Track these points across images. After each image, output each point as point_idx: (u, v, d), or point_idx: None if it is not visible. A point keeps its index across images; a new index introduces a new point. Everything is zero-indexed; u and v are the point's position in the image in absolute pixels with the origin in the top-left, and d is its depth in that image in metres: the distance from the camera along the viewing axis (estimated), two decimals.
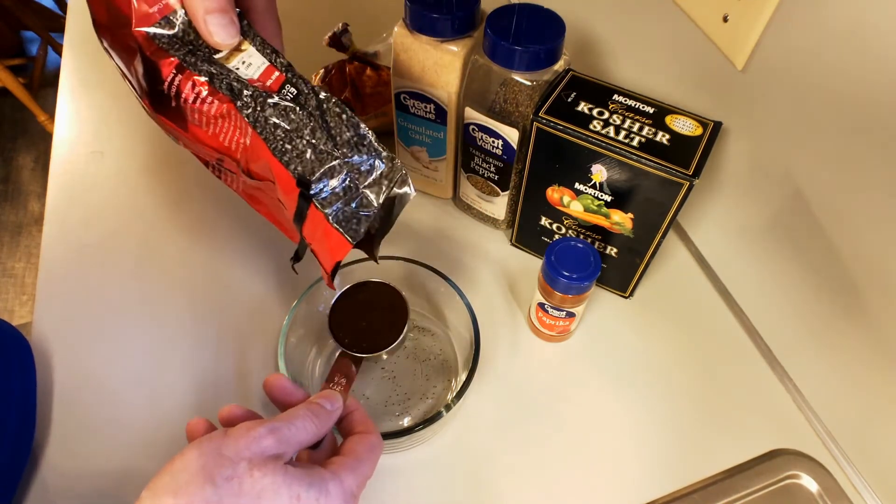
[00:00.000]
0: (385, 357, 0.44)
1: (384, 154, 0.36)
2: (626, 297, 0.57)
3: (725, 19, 0.47)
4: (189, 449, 0.30)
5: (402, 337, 0.43)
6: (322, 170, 0.35)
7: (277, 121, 0.35)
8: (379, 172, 0.36)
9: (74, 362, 0.50)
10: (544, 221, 0.55)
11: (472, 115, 0.52)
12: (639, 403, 0.50)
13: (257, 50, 0.37)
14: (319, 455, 0.36)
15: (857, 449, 0.47)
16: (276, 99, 0.35)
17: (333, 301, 0.44)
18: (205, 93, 0.35)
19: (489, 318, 0.54)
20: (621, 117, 0.46)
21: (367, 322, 0.44)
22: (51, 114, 1.67)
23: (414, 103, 0.55)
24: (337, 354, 0.42)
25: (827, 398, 0.49)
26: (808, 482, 0.46)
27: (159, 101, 0.37)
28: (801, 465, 0.47)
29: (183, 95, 0.36)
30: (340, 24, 0.63)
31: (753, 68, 0.46)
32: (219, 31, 0.35)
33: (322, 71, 0.66)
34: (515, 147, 0.51)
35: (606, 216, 0.50)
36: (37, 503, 0.43)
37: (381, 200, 0.36)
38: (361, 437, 0.36)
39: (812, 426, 0.49)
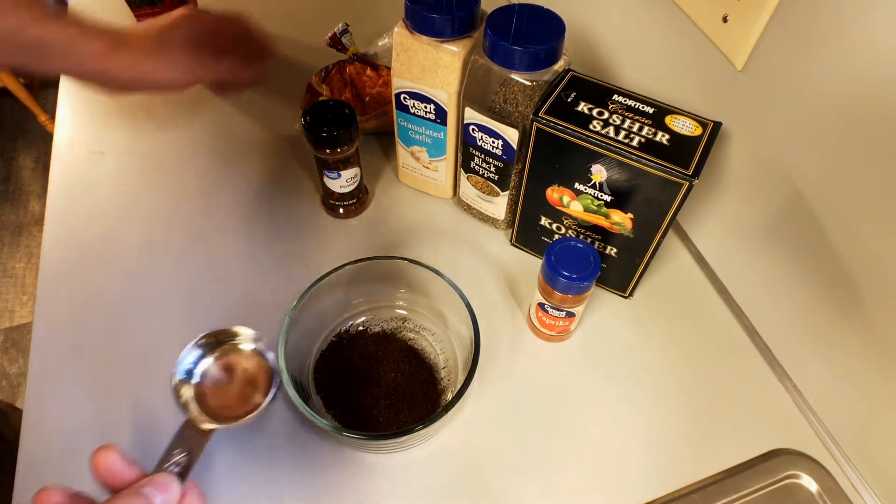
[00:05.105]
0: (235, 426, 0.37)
1: None
2: (626, 297, 0.57)
3: (725, 19, 0.47)
4: None
5: (260, 409, 0.37)
6: None
7: None
8: None
9: (74, 362, 0.50)
10: (544, 221, 0.55)
11: (472, 115, 0.52)
12: (638, 403, 0.50)
13: None
14: None
15: (856, 449, 0.47)
16: None
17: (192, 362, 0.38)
18: None
19: (489, 318, 0.54)
20: (621, 117, 0.46)
21: (226, 389, 0.38)
22: (51, 114, 1.67)
23: (414, 103, 0.55)
24: (183, 423, 0.35)
25: (827, 398, 0.49)
26: (808, 482, 0.46)
27: None
28: (800, 464, 0.47)
29: None
30: (340, 24, 0.63)
31: (753, 68, 0.46)
32: None
33: (322, 71, 0.66)
34: (515, 147, 0.51)
35: (606, 216, 0.50)
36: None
37: None
38: None
39: (812, 426, 0.49)
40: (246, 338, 0.39)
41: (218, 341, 0.39)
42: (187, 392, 0.37)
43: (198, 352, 0.38)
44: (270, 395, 0.37)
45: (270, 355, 0.39)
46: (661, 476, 0.46)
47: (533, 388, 0.50)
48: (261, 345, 0.39)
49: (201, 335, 0.38)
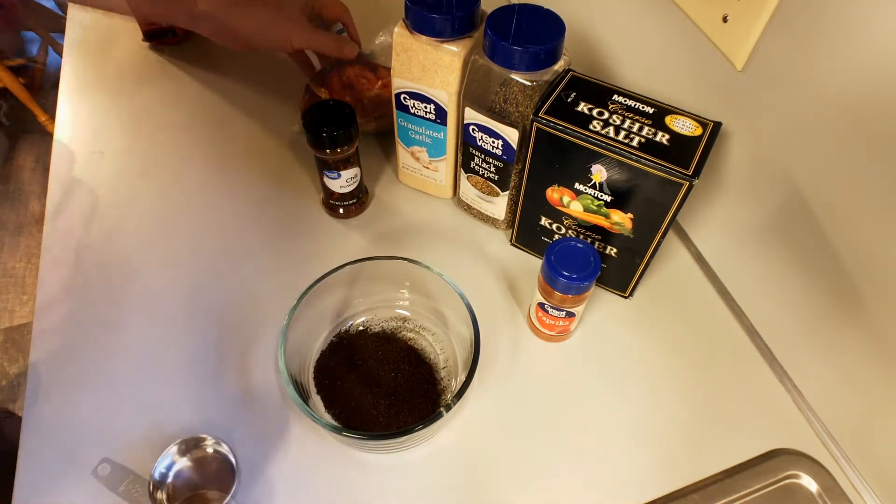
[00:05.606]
0: None
1: None
2: (626, 297, 0.57)
3: (725, 20, 0.47)
4: None
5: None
6: None
7: None
8: None
9: (74, 362, 0.50)
10: (544, 221, 0.55)
11: (472, 115, 0.52)
12: (638, 403, 0.50)
13: None
14: None
15: (856, 449, 0.47)
16: None
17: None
18: None
19: (489, 318, 0.54)
20: (621, 117, 0.46)
21: (195, 489, 0.43)
22: (51, 114, 1.67)
23: (414, 103, 0.55)
24: None
25: (827, 398, 0.49)
26: (808, 482, 0.46)
27: None
28: (800, 464, 0.47)
29: None
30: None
31: (753, 68, 0.46)
32: None
33: (320, 73, 0.66)
34: (515, 147, 0.51)
35: (606, 216, 0.50)
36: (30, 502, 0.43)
37: None
38: None
39: (812, 426, 0.49)
40: (211, 442, 0.44)
41: (187, 447, 0.44)
42: (161, 495, 0.42)
43: (169, 458, 0.43)
44: (230, 495, 0.42)
45: (231, 457, 0.44)
46: (661, 476, 0.46)
47: (533, 389, 0.50)
48: (223, 447, 0.44)
49: (174, 444, 0.44)
